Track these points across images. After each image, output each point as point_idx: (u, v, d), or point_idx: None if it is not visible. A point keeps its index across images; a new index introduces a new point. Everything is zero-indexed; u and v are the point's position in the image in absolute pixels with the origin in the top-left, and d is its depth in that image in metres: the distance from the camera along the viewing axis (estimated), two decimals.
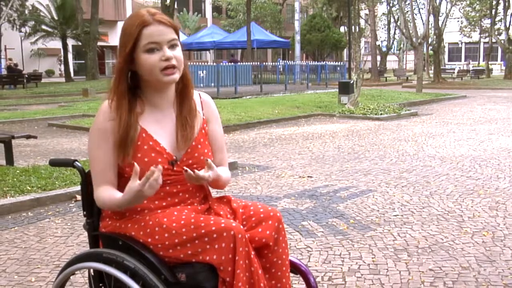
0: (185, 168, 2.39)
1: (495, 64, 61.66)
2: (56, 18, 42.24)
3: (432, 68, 42.64)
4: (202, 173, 2.41)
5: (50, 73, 47.78)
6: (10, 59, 38.74)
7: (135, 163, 2.28)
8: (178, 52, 2.46)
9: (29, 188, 6.79)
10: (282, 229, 2.57)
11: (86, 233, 2.74)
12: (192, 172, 2.37)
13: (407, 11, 34.10)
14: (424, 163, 8.96)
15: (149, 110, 2.53)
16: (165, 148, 2.51)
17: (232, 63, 31.21)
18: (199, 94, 2.71)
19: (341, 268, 4.44)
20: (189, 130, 2.55)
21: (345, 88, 19.46)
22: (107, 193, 2.44)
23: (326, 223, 5.69)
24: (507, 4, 43.11)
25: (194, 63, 35.53)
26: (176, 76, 2.46)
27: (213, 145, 2.68)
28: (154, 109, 2.54)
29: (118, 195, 2.40)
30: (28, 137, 8.97)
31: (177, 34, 2.50)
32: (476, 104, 21.09)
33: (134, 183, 2.25)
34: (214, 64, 32.34)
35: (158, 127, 2.53)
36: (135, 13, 2.48)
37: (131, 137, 2.44)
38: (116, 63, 2.50)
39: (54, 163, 2.87)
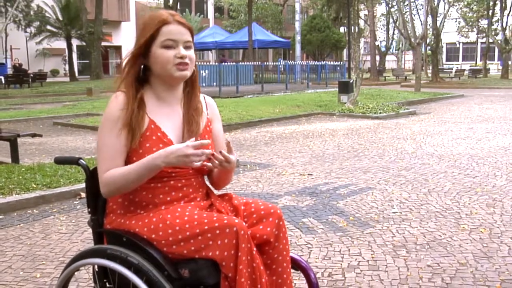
0: (213, 152, 2.47)
1: (492, 64, 61.70)
2: (61, 18, 42.22)
3: (430, 67, 42.64)
4: (227, 154, 2.48)
5: (55, 72, 47.79)
6: (17, 59, 38.74)
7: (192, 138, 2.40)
8: (191, 54, 2.55)
9: (34, 186, 6.79)
10: (282, 226, 2.57)
11: (90, 230, 2.74)
12: (218, 155, 2.45)
13: (406, 12, 34.07)
14: (422, 161, 8.95)
15: (158, 104, 2.58)
16: (172, 140, 2.53)
17: (224, 63, 31.22)
18: (204, 96, 2.79)
19: (341, 264, 4.44)
20: (195, 125, 2.60)
21: (345, 88, 19.46)
22: (119, 170, 2.44)
23: (326, 220, 5.69)
24: (503, 5, 43.13)
25: (197, 63, 35.49)
26: (187, 72, 2.54)
27: (216, 143, 2.71)
28: (163, 104, 2.59)
29: (138, 162, 2.44)
30: (34, 135, 8.98)
31: (192, 37, 2.57)
32: (473, 103, 21.08)
33: (182, 144, 2.36)
34: (216, 64, 32.33)
35: (166, 120, 2.57)
36: (157, 13, 2.56)
37: (139, 124, 2.47)
38: (130, 53, 2.55)
39: (59, 161, 2.87)
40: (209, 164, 2.51)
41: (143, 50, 2.51)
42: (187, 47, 2.52)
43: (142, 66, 2.56)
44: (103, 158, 2.48)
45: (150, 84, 2.59)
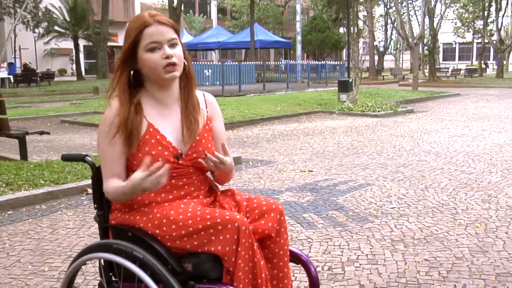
0: (206, 153, 2.42)
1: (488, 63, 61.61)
2: (68, 19, 42.29)
3: (428, 67, 42.58)
4: (222, 156, 2.44)
5: (62, 72, 47.82)
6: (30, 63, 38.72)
7: (147, 156, 2.28)
8: (178, 51, 2.48)
9: (42, 182, 6.79)
10: (283, 221, 2.57)
11: (96, 225, 2.74)
12: (212, 156, 2.39)
13: (404, 13, 34.08)
14: (419, 158, 8.94)
15: (156, 106, 2.54)
16: (171, 142, 2.51)
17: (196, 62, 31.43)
18: (203, 93, 2.73)
19: (341, 258, 4.44)
20: (194, 123, 2.56)
21: (344, 87, 19.41)
22: (113, 184, 2.44)
23: (326, 215, 5.69)
24: (499, 6, 43.08)
25: (200, 63, 35.49)
26: (176, 73, 2.48)
27: (216, 142, 2.68)
28: (160, 105, 2.55)
29: (122, 183, 2.41)
30: (42, 133, 8.99)
31: (178, 34, 2.51)
32: (469, 101, 21.04)
33: (138, 173, 2.26)
34: (219, 63, 32.32)
35: (164, 122, 2.53)
36: (138, 15, 2.52)
37: (136, 130, 2.45)
38: (118, 58, 2.51)
39: (66, 158, 2.87)
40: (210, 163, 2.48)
41: (130, 54, 2.47)
42: (172, 45, 2.46)
43: (132, 72, 2.50)
44: (104, 164, 2.49)
45: (145, 87, 2.55)
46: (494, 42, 43.47)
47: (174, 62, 2.44)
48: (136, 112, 2.47)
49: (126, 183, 2.36)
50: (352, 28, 29.79)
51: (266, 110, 16.28)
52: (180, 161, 2.50)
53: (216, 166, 2.46)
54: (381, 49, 55.25)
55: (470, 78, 41.32)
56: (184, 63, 2.54)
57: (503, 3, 44.00)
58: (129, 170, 2.48)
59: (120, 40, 46.62)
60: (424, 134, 11.88)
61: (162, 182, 2.27)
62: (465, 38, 59.22)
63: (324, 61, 36.30)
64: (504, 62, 44.73)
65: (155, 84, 2.52)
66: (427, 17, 35.78)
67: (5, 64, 34.16)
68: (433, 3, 39.79)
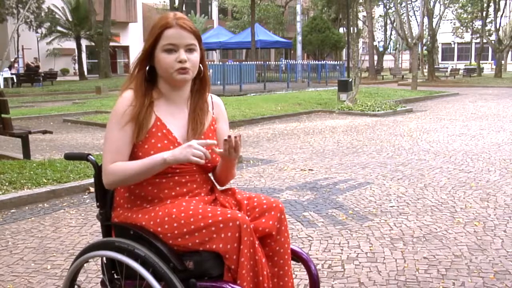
0: (229, 135, 2.41)
1: (486, 63, 61.58)
2: (70, 19, 42.29)
3: (427, 67, 42.59)
4: (239, 141, 2.45)
5: (65, 71, 47.79)
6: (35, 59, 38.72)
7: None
8: (194, 57, 2.50)
9: (45, 181, 6.79)
10: (284, 219, 2.57)
11: (99, 223, 2.74)
12: (232, 140, 2.40)
13: (403, 13, 34.04)
14: (418, 157, 8.94)
15: (165, 103, 2.57)
16: (177, 138, 2.53)
17: None
18: (211, 96, 2.75)
19: (340, 256, 4.44)
20: (199, 125, 2.58)
21: (344, 86, 19.42)
22: (122, 164, 2.45)
23: (326, 213, 5.69)
24: (497, 7, 43.07)
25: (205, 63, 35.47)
26: (187, 76, 2.50)
27: (220, 142, 2.68)
28: (169, 103, 2.58)
29: (137, 160, 2.45)
30: (44, 132, 8.97)
31: (199, 40, 2.53)
32: (468, 101, 21.04)
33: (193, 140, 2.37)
34: (220, 63, 32.30)
35: (172, 119, 2.56)
36: (163, 15, 2.54)
37: (146, 120, 2.47)
38: (138, 57, 2.56)
39: (68, 157, 2.87)
40: (219, 150, 2.48)
41: (150, 52, 2.51)
42: (189, 50, 2.48)
43: (147, 67, 2.53)
44: (108, 150, 2.48)
45: (158, 85, 2.58)
46: (493, 42, 43.48)
47: (186, 68, 2.46)
48: (146, 103, 2.50)
49: (145, 158, 2.42)
50: (351, 28, 29.74)
51: (266, 109, 16.29)
52: None
53: (229, 151, 2.44)
54: (381, 49, 55.21)
55: (468, 78, 41.30)
56: (200, 68, 2.56)
57: (502, 4, 43.96)
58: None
59: (122, 40, 46.78)
60: (423, 133, 11.87)
61: (202, 157, 2.33)
62: (463, 38, 59.18)
63: (324, 61, 36.28)
64: (503, 61, 44.72)
65: (167, 83, 2.55)
66: (426, 17, 35.78)
67: (17, 65, 34.26)
68: (432, 3, 39.79)
